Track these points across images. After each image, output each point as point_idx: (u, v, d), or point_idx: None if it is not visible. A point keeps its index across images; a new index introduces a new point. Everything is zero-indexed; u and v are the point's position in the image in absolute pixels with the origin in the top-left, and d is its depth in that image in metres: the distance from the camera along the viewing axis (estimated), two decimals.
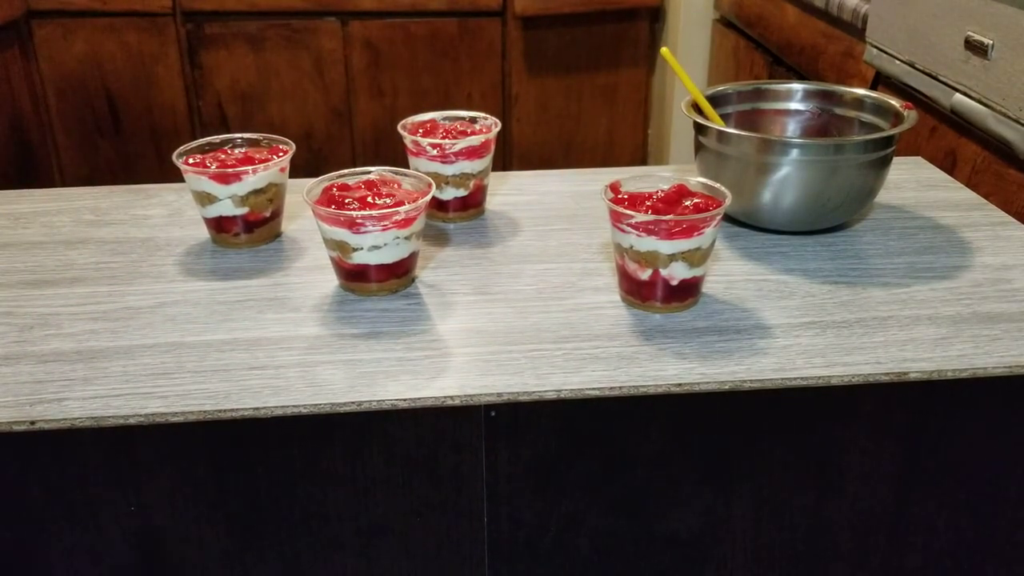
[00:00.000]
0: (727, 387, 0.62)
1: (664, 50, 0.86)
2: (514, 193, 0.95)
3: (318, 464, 0.63)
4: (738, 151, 0.82)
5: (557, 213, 0.90)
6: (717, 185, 0.72)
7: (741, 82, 0.97)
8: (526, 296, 0.74)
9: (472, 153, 0.85)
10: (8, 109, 2.19)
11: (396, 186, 0.76)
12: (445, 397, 0.61)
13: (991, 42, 1.03)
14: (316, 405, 0.60)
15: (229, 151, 0.85)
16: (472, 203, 0.88)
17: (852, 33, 1.48)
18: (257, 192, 0.81)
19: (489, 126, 0.88)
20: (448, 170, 0.85)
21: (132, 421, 0.60)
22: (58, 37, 2.28)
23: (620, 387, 0.62)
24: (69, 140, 2.38)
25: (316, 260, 0.80)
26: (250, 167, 0.79)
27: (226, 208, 0.80)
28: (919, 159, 1.05)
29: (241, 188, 0.80)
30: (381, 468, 0.63)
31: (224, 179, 0.79)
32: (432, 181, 0.75)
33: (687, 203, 0.70)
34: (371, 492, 0.64)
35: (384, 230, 0.71)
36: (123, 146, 2.40)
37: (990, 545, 0.72)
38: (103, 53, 2.30)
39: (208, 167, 0.80)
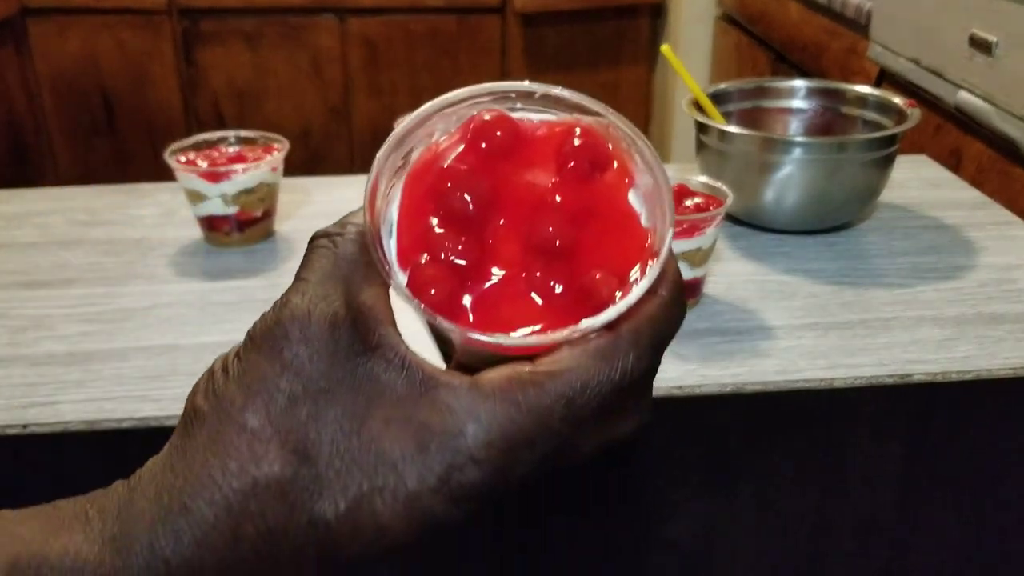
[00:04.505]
0: (728, 389, 0.62)
1: (665, 48, 0.85)
2: None
3: None
4: (740, 150, 0.81)
5: None
6: (719, 184, 0.71)
7: (743, 79, 0.96)
8: None
9: None
10: (3, 107, 2.18)
11: None
12: None
13: (996, 39, 1.02)
14: None
15: (223, 149, 0.84)
16: None
17: (856, 30, 1.47)
18: (248, 191, 0.80)
19: None
20: None
21: (126, 425, 0.59)
22: (53, 35, 2.27)
23: None
24: (64, 138, 2.36)
25: None
26: (239, 165, 0.79)
27: (216, 207, 0.80)
28: (923, 157, 1.04)
29: (231, 187, 0.79)
30: None
31: (213, 177, 0.78)
32: None
33: (688, 202, 0.69)
34: None
35: None
36: (118, 144, 2.39)
37: (994, 547, 0.71)
38: (98, 51, 2.29)
39: (199, 165, 0.79)
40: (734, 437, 0.64)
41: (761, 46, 1.95)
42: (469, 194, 0.30)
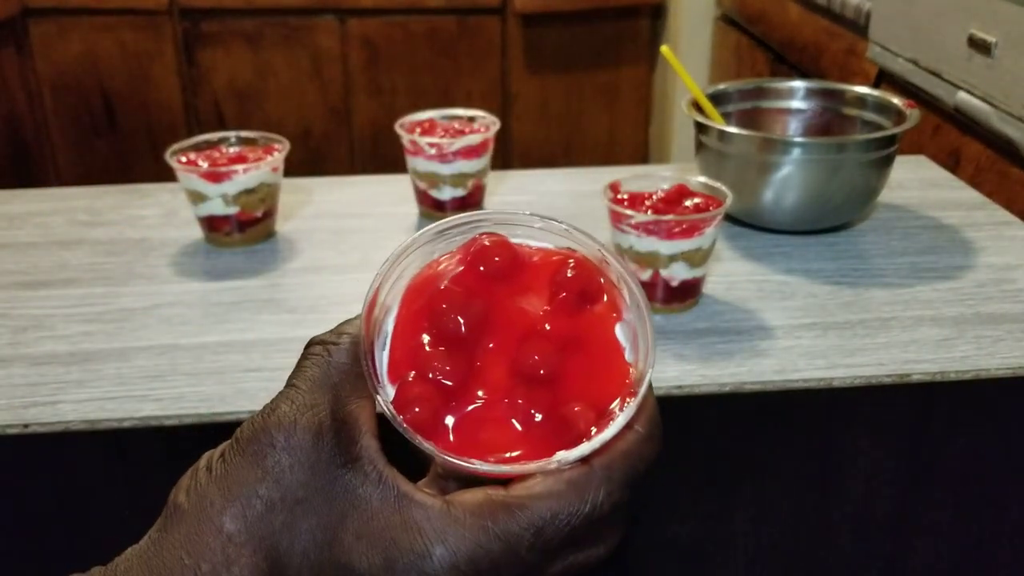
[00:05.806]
0: (728, 389, 0.62)
1: (664, 48, 0.85)
2: (513, 193, 0.95)
3: None
4: (739, 150, 0.81)
5: (557, 213, 0.89)
6: (718, 185, 0.71)
7: (742, 80, 0.96)
8: None
9: (470, 152, 0.84)
10: (4, 108, 2.18)
11: None
12: None
13: (994, 40, 1.02)
14: None
15: (223, 149, 0.84)
16: (470, 203, 0.88)
17: (855, 31, 1.47)
18: (248, 192, 0.80)
19: (488, 125, 0.87)
20: (446, 169, 0.85)
21: (126, 424, 0.59)
22: (54, 35, 2.27)
23: None
24: (65, 139, 2.37)
25: (311, 260, 0.80)
26: (239, 166, 0.79)
27: (217, 207, 0.80)
28: (922, 158, 1.04)
29: (231, 187, 0.79)
30: None
31: (214, 177, 0.78)
32: None
33: (687, 203, 0.70)
34: None
35: None
36: (119, 145, 2.39)
37: (994, 547, 0.71)
38: (99, 51, 2.29)
39: (200, 165, 0.79)
40: (733, 436, 0.65)
41: (760, 47, 1.95)
42: (462, 317, 0.31)
